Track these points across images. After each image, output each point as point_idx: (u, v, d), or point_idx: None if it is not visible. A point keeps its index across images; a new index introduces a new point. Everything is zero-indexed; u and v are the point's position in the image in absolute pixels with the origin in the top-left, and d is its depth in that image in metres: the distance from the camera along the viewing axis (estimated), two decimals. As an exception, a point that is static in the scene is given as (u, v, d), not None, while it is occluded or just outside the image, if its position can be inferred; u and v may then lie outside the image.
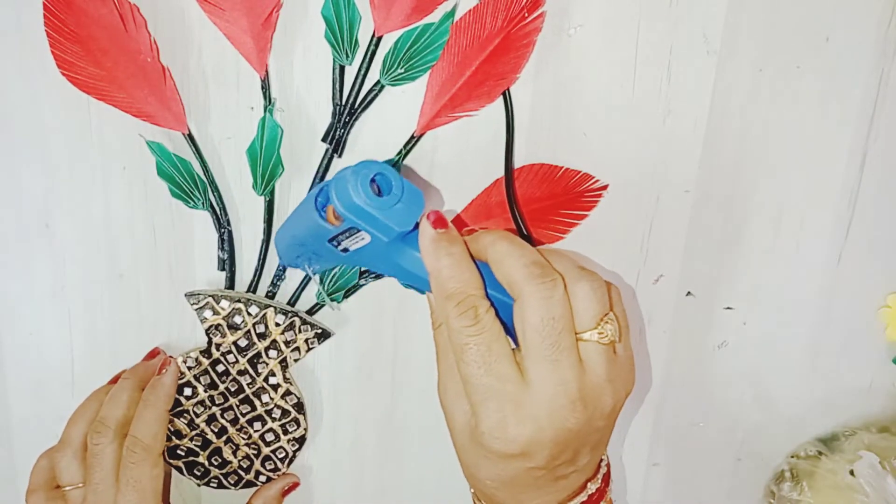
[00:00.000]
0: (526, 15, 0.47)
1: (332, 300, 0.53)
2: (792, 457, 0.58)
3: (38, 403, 0.58)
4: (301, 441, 0.56)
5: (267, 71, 0.48)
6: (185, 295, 0.52)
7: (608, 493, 0.48)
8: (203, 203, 0.51)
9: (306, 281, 0.53)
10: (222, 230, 0.52)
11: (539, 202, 0.51)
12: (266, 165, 0.50)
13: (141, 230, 0.53)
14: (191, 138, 0.49)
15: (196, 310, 0.52)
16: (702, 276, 0.54)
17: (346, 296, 0.53)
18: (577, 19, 0.48)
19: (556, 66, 0.49)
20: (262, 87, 0.48)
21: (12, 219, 0.53)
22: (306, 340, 0.53)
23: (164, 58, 0.48)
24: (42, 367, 0.57)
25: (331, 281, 0.52)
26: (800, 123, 0.50)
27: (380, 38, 0.47)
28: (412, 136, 0.49)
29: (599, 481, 0.47)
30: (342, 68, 0.48)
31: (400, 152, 0.49)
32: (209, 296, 0.52)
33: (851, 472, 0.54)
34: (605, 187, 0.51)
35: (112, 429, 0.51)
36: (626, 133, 0.50)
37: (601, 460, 0.47)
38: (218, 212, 0.51)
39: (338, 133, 0.49)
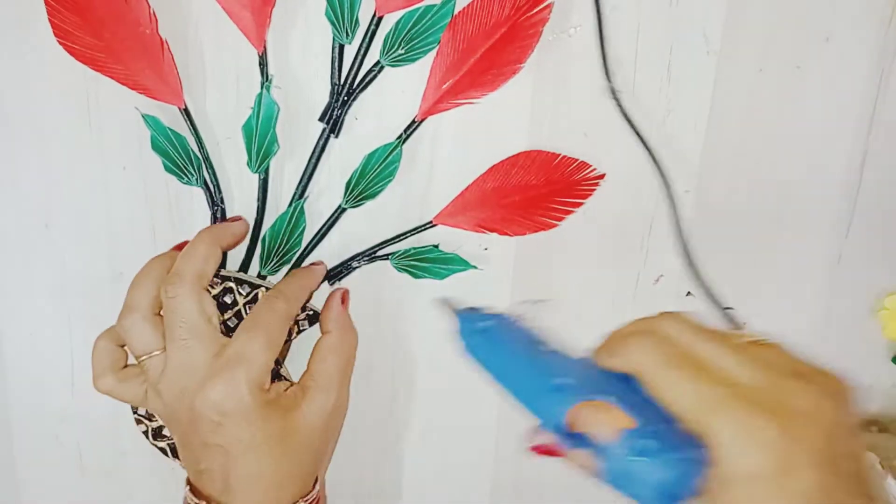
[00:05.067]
0: (533, 5, 0.46)
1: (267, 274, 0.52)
2: (792, 457, 0.58)
3: (38, 403, 0.58)
4: None
5: (265, 47, 0.48)
6: None
7: None
8: (197, 179, 0.50)
9: (299, 262, 0.52)
10: (216, 208, 0.51)
11: (536, 189, 0.51)
12: (261, 143, 0.49)
13: (141, 230, 0.53)
14: (186, 113, 0.49)
15: None
16: (702, 276, 0.54)
17: (280, 266, 0.52)
18: (576, 19, 0.48)
19: (556, 66, 0.49)
20: (260, 64, 0.48)
21: (12, 218, 0.53)
22: (297, 322, 0.52)
23: (163, 30, 0.47)
24: (42, 367, 0.57)
25: (273, 254, 0.52)
26: (800, 123, 0.50)
27: (381, 18, 0.47)
28: (413, 121, 0.49)
29: None
30: (342, 47, 0.48)
31: (400, 136, 0.49)
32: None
33: (851, 472, 0.54)
34: (601, 176, 0.51)
35: (188, 280, 0.46)
36: (627, 133, 0.50)
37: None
38: (212, 189, 0.51)
39: (335, 113, 0.49)
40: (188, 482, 0.49)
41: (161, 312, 0.48)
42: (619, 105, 0.48)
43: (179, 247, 0.51)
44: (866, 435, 0.57)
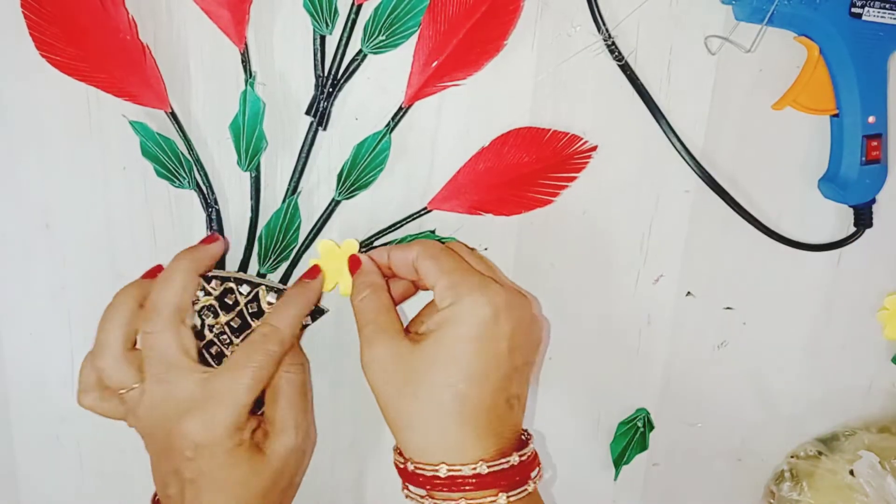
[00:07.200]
0: None
1: None
2: (792, 457, 0.58)
3: (38, 403, 0.58)
4: None
5: (246, 44, 0.48)
6: None
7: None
8: (189, 182, 0.50)
9: (297, 258, 0.53)
10: (210, 209, 0.51)
11: (528, 166, 0.50)
12: (249, 140, 0.49)
13: (141, 230, 0.53)
14: (173, 116, 0.49)
15: None
16: (702, 276, 0.54)
17: (279, 263, 0.52)
18: (576, 19, 0.48)
19: (556, 66, 0.49)
20: (242, 61, 0.48)
21: (12, 219, 0.53)
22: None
23: (143, 35, 0.47)
24: (42, 367, 0.57)
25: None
26: (799, 123, 0.50)
27: (360, 6, 0.47)
28: (400, 108, 0.49)
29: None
30: (323, 38, 0.48)
31: (388, 124, 0.49)
32: (199, 276, 0.51)
33: (851, 472, 0.55)
34: (594, 148, 0.50)
35: (165, 315, 0.46)
36: (626, 133, 0.50)
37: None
38: (205, 190, 0.51)
39: (321, 105, 0.49)
40: (153, 499, 0.50)
41: (136, 345, 0.49)
42: (618, 55, 0.48)
43: (150, 273, 0.50)
44: (866, 435, 0.57)
